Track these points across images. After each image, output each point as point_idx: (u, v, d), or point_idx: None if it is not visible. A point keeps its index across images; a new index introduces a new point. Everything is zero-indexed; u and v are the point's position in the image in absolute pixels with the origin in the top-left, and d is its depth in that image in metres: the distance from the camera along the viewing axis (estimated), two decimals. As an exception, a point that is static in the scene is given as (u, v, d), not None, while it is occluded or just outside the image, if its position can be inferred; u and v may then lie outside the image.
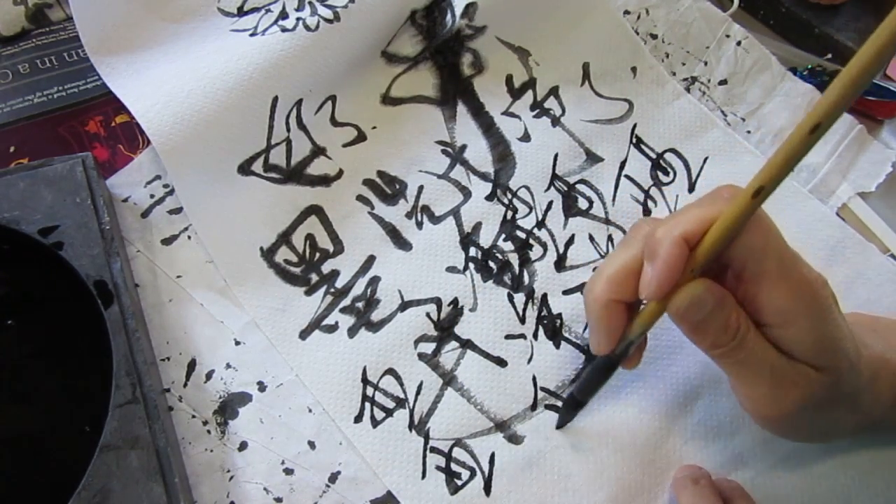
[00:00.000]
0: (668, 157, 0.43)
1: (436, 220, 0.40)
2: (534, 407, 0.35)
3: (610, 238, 0.40)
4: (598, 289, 0.30)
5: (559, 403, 0.35)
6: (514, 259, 0.39)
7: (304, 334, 0.36)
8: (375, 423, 0.34)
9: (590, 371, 0.33)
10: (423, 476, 0.34)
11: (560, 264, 0.39)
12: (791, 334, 0.28)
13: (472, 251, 0.39)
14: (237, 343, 0.36)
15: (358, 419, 0.34)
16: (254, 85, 0.38)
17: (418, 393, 0.35)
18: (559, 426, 0.35)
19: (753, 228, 0.27)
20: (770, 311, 0.28)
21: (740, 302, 0.29)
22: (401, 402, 0.35)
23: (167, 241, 0.38)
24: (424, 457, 0.34)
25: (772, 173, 0.25)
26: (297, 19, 0.40)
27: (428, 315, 0.37)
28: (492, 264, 0.39)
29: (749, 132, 0.44)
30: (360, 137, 0.41)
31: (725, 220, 0.26)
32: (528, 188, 0.41)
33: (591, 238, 0.40)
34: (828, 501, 0.34)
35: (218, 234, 0.37)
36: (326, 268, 0.38)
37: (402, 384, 0.35)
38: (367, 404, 0.35)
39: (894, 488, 0.34)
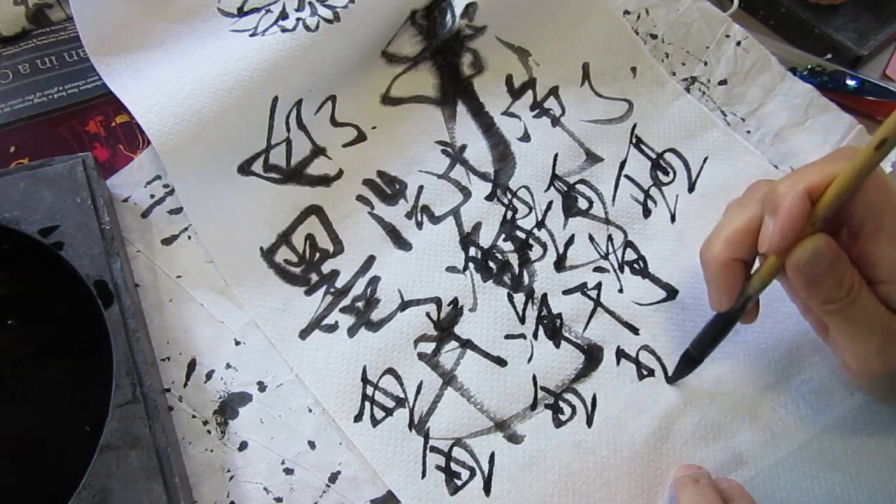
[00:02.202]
0: (668, 156, 0.43)
1: (436, 220, 0.40)
2: (534, 406, 0.35)
3: (610, 238, 0.40)
4: (717, 249, 0.32)
5: (559, 403, 0.36)
6: (513, 259, 0.39)
7: (304, 334, 0.36)
8: (375, 422, 0.34)
9: (707, 328, 0.34)
10: (423, 476, 0.34)
11: (560, 264, 0.39)
12: None
13: (472, 251, 0.39)
14: (237, 343, 0.36)
15: (358, 419, 0.34)
16: (254, 85, 0.38)
17: (418, 392, 0.35)
18: (672, 381, 0.36)
19: (874, 186, 0.29)
20: (885, 267, 0.29)
21: (853, 261, 0.30)
22: (401, 402, 0.35)
23: (167, 241, 0.38)
24: (424, 456, 0.34)
25: (894, 126, 0.26)
26: (297, 19, 0.40)
27: (428, 315, 0.37)
28: (492, 264, 0.39)
29: (749, 132, 0.44)
30: (360, 137, 0.41)
31: (848, 172, 0.28)
32: (527, 188, 0.41)
33: (591, 238, 0.40)
34: (827, 501, 0.34)
35: (218, 234, 0.37)
36: (326, 268, 0.38)
37: (401, 384, 0.35)
38: (367, 404, 0.35)
39: (892, 487, 0.34)
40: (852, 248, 0.30)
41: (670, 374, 0.36)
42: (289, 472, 0.34)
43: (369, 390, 0.35)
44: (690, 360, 0.35)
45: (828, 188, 0.28)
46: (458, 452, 0.34)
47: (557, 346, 0.37)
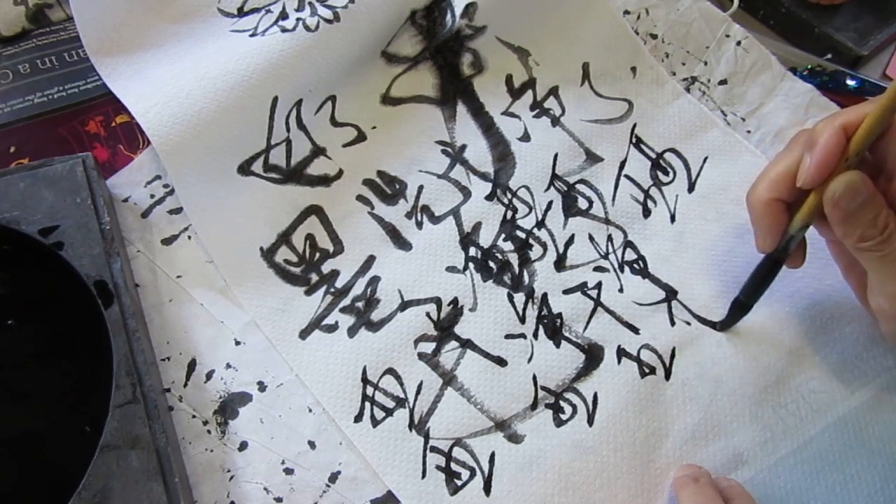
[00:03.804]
0: (668, 156, 0.43)
1: (436, 219, 0.40)
2: (534, 406, 0.35)
3: (609, 238, 0.40)
4: (760, 189, 0.33)
5: (560, 403, 0.36)
6: (513, 259, 0.39)
7: (304, 334, 0.36)
8: (375, 422, 0.34)
9: (755, 273, 0.36)
10: (423, 476, 0.34)
11: (560, 264, 0.39)
12: None
13: (472, 251, 0.39)
14: (237, 343, 0.36)
15: (358, 419, 0.34)
16: (254, 85, 0.38)
17: (418, 392, 0.35)
18: (722, 328, 0.38)
19: None
20: None
21: (890, 204, 0.31)
22: (401, 402, 0.35)
23: (167, 241, 0.38)
24: (424, 456, 0.34)
25: None
26: (297, 20, 0.40)
27: (428, 315, 0.37)
28: (492, 264, 0.39)
29: (749, 132, 0.44)
30: (360, 137, 0.41)
31: (879, 108, 0.29)
32: (527, 188, 0.41)
33: (591, 238, 0.40)
34: (827, 501, 0.34)
35: (218, 234, 0.37)
36: (326, 268, 0.38)
37: (402, 384, 0.35)
38: (367, 404, 0.35)
39: (892, 487, 0.34)
40: (889, 191, 0.31)
41: (721, 321, 0.38)
42: (289, 472, 0.34)
43: (369, 390, 0.35)
44: (740, 306, 0.37)
45: (862, 123, 0.30)
46: (458, 452, 0.34)
47: (558, 345, 0.37)
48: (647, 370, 0.36)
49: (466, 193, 0.40)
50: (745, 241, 0.39)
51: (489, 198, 0.40)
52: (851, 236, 0.31)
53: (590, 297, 0.38)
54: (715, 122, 0.44)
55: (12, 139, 0.39)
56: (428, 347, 0.36)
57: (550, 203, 0.41)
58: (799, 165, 0.32)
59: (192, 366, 0.35)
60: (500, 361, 0.36)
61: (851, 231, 0.31)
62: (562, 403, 0.36)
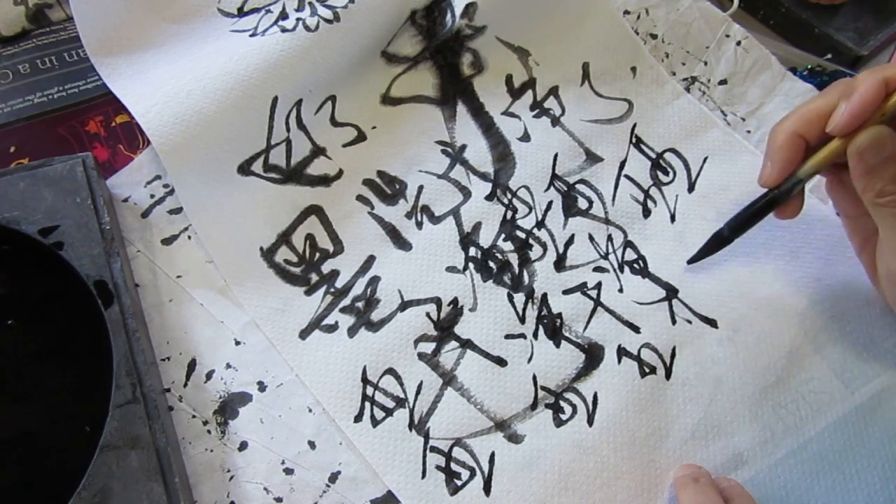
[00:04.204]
0: (668, 156, 0.43)
1: (436, 220, 0.40)
2: (534, 406, 0.35)
3: (609, 238, 0.40)
4: (788, 121, 0.34)
5: (559, 403, 0.36)
6: (513, 259, 0.39)
7: (304, 334, 0.36)
8: (375, 422, 0.34)
9: (747, 207, 0.36)
10: (423, 476, 0.34)
11: (560, 264, 0.39)
12: None
13: (472, 251, 0.39)
14: (237, 343, 0.36)
15: (358, 419, 0.34)
16: (254, 85, 0.38)
17: (418, 393, 0.35)
18: (693, 260, 0.38)
19: None
20: None
21: None
22: (401, 402, 0.35)
23: (167, 241, 0.38)
24: (424, 456, 0.34)
25: None
26: (297, 20, 0.40)
27: (428, 315, 0.37)
28: (491, 264, 0.39)
29: (749, 132, 0.44)
30: (360, 137, 0.41)
31: None
32: (527, 188, 0.41)
33: (591, 238, 0.40)
34: (827, 501, 0.34)
35: (218, 234, 0.37)
36: (326, 268, 0.38)
37: (401, 384, 0.35)
38: (367, 404, 0.35)
39: (892, 486, 0.34)
40: None
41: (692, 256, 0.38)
42: (289, 472, 0.34)
43: (369, 390, 0.35)
44: (720, 239, 0.37)
45: None
46: (458, 452, 0.34)
47: (557, 345, 0.37)
48: (647, 370, 0.36)
49: (466, 193, 0.40)
50: (746, 241, 0.39)
51: (489, 198, 0.40)
52: (871, 190, 0.31)
53: (590, 297, 0.38)
54: (715, 122, 0.44)
55: (12, 139, 0.39)
56: (428, 347, 0.36)
57: (550, 203, 0.41)
58: (831, 107, 0.32)
59: (192, 366, 0.35)
60: (500, 361, 0.36)
61: (871, 185, 0.31)
62: (562, 403, 0.36)
